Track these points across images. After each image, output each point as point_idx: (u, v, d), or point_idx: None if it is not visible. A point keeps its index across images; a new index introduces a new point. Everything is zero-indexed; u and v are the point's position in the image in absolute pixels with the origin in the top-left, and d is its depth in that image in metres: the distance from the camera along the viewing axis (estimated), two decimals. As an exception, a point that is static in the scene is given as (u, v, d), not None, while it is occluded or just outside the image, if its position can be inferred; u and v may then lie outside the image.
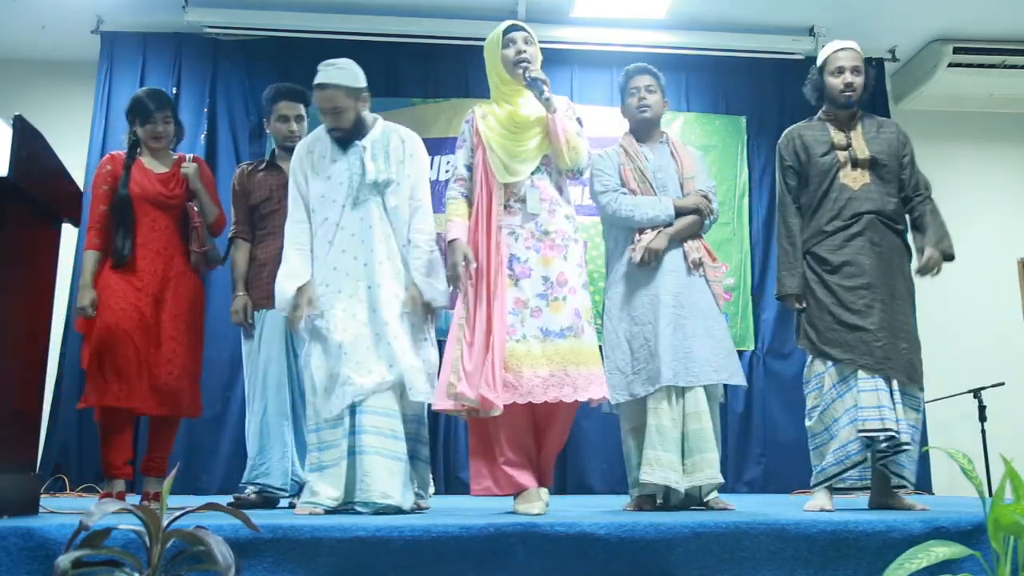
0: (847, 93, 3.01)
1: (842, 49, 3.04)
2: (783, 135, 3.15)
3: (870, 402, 2.80)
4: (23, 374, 2.52)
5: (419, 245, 2.86)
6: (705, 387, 2.93)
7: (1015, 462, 1.91)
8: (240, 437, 4.89)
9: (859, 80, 3.01)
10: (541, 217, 2.75)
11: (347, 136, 2.88)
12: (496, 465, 2.68)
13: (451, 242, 2.76)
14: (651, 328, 2.95)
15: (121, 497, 2.98)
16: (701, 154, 3.31)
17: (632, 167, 3.09)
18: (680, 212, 3.03)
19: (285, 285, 2.82)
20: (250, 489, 3.17)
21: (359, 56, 5.42)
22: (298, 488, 3.08)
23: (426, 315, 2.88)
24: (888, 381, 2.83)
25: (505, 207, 2.75)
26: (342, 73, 2.84)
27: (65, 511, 2.61)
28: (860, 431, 2.78)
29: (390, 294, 2.79)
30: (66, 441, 4.73)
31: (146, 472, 3.18)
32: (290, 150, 3.11)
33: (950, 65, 5.45)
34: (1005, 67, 5.52)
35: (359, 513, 2.58)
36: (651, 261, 2.98)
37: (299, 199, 2.90)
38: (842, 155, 3.00)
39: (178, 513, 1.72)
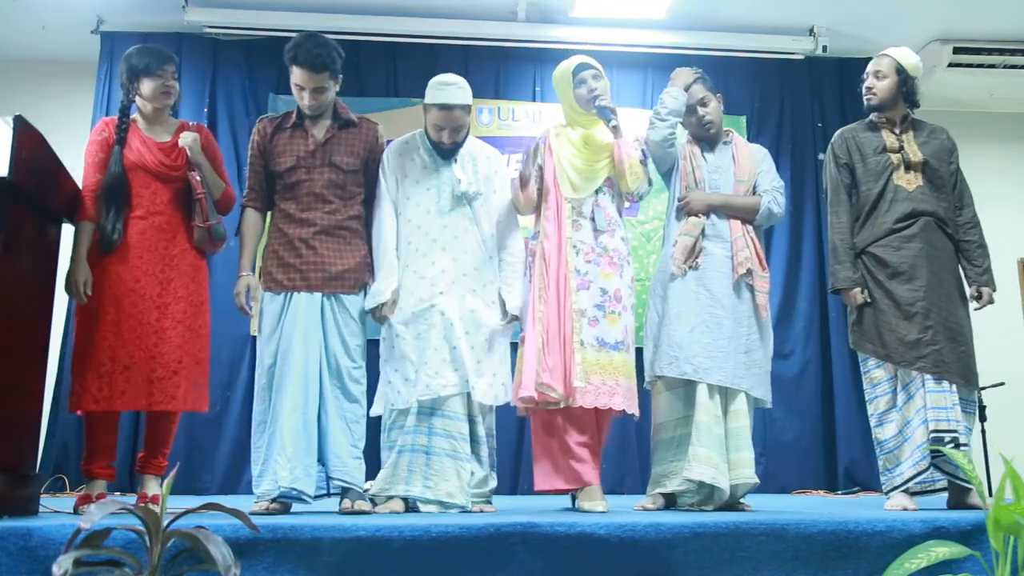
0: (866, 96, 3.18)
1: (873, 57, 3.21)
2: (836, 135, 3.25)
3: (938, 403, 2.85)
4: (23, 373, 2.53)
5: (510, 264, 2.97)
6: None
7: (1015, 462, 1.91)
8: (241, 436, 4.90)
9: (880, 84, 3.13)
10: (603, 235, 2.89)
11: (454, 149, 2.94)
12: (563, 460, 2.79)
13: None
14: (679, 317, 2.94)
15: (101, 499, 2.65)
16: (766, 151, 3.25)
17: (689, 167, 3.11)
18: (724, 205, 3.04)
19: (383, 286, 2.85)
20: (266, 499, 2.72)
21: (359, 56, 5.43)
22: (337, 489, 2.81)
23: (504, 324, 2.93)
24: (949, 384, 2.88)
25: (572, 222, 2.89)
26: (463, 93, 2.90)
27: (65, 511, 2.62)
28: (932, 431, 2.81)
29: (466, 307, 2.85)
30: (66, 441, 4.71)
31: (144, 471, 2.95)
32: (313, 118, 2.92)
33: (950, 65, 5.43)
34: (1005, 67, 5.51)
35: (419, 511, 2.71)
36: (697, 256, 2.96)
37: (388, 200, 2.92)
38: (895, 157, 3.09)
39: (178, 513, 1.72)
